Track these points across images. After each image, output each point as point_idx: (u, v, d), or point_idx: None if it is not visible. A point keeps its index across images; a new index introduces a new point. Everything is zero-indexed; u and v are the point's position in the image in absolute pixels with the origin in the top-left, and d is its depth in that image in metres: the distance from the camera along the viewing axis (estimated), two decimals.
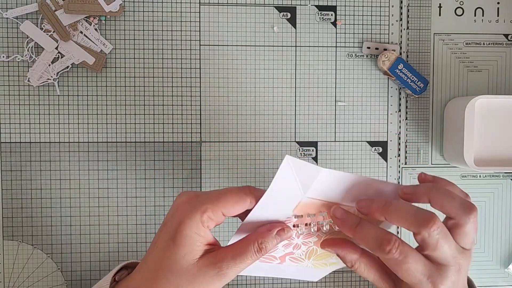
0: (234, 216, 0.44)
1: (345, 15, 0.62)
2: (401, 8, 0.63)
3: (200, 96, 0.62)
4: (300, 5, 0.62)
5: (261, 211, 0.43)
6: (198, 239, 0.41)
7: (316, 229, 0.44)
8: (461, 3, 0.63)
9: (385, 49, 0.62)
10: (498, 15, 0.64)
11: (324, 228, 0.44)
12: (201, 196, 0.42)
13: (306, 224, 0.44)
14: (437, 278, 0.41)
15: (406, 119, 0.64)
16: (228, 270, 0.41)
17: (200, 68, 0.61)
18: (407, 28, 0.63)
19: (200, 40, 0.61)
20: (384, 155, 0.64)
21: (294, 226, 0.45)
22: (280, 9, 0.62)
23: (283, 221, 0.44)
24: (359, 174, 0.42)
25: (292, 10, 0.62)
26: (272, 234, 0.42)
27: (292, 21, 0.62)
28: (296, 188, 0.42)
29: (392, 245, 0.41)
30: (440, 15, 0.63)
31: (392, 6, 0.63)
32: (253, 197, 0.42)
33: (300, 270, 0.51)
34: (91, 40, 0.60)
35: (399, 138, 0.64)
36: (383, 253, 0.41)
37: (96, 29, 0.60)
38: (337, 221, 0.44)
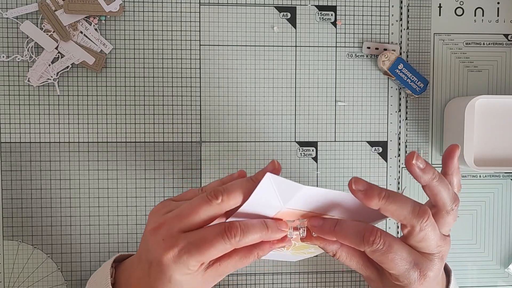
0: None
1: (345, 15, 0.62)
2: (401, 8, 0.63)
3: (200, 96, 0.62)
4: (300, 5, 0.62)
5: (243, 212, 0.43)
6: (191, 276, 0.41)
7: (294, 236, 0.45)
8: (461, 3, 0.63)
9: (385, 49, 0.62)
10: (498, 15, 0.64)
11: (300, 232, 0.44)
12: (183, 238, 0.40)
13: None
14: (424, 266, 0.42)
15: (406, 119, 0.64)
16: (227, 274, 0.43)
17: (200, 68, 0.61)
18: (407, 28, 0.63)
19: (200, 40, 0.61)
20: (384, 155, 0.64)
21: None
22: (280, 9, 0.62)
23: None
24: (342, 191, 0.42)
25: (292, 10, 0.62)
26: (269, 245, 0.43)
27: (292, 21, 0.62)
28: (276, 200, 0.42)
29: (375, 235, 0.41)
30: (440, 15, 0.63)
31: (392, 6, 0.63)
32: (232, 240, 0.40)
33: (279, 256, 0.52)
34: (91, 40, 0.60)
35: (399, 138, 0.64)
36: (367, 245, 0.41)
37: (96, 29, 0.60)
38: (315, 230, 0.44)
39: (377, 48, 0.62)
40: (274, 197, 0.41)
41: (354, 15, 0.62)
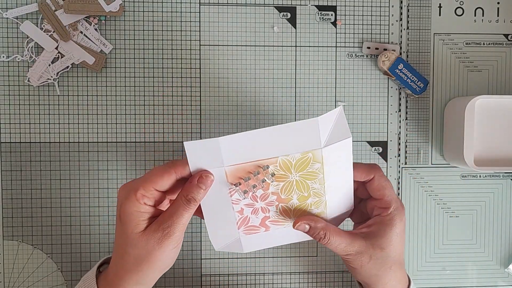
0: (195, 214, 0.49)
1: (345, 15, 0.62)
2: (401, 8, 0.63)
3: (200, 96, 0.62)
4: (300, 5, 0.62)
5: (206, 201, 0.48)
6: (140, 215, 0.47)
7: (261, 183, 0.49)
8: (461, 3, 0.63)
9: (385, 49, 0.62)
10: (498, 15, 0.64)
11: (268, 179, 0.49)
12: (134, 180, 0.48)
13: (252, 188, 0.49)
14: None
15: (406, 119, 0.64)
16: (170, 229, 0.47)
17: (200, 68, 0.61)
18: (407, 28, 0.63)
19: (200, 40, 0.61)
20: (384, 155, 0.64)
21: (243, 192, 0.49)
22: (280, 9, 0.62)
23: (228, 193, 0.49)
24: (257, 129, 0.47)
25: (292, 10, 0.62)
26: (193, 184, 0.47)
27: (292, 21, 0.62)
28: (212, 164, 0.47)
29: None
30: (440, 15, 0.63)
31: (392, 6, 0.63)
32: (176, 169, 0.47)
33: (293, 232, 0.53)
34: (91, 40, 0.60)
35: (399, 138, 0.64)
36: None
37: (96, 29, 0.60)
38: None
39: (377, 48, 0.62)
40: (209, 161, 0.47)
41: (354, 15, 0.62)
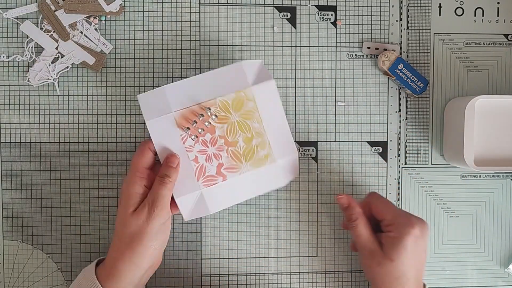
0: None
1: (345, 15, 0.62)
2: (401, 8, 0.63)
3: None
4: (300, 5, 0.62)
5: (161, 145, 0.54)
6: (136, 195, 0.53)
7: (207, 124, 0.55)
8: (461, 3, 0.63)
9: (385, 49, 0.62)
10: (498, 15, 0.64)
11: (212, 120, 0.55)
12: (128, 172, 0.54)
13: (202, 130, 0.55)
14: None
15: (406, 119, 0.64)
16: (154, 203, 0.52)
17: (200, 68, 0.61)
18: (407, 28, 0.63)
19: (200, 40, 0.61)
20: (384, 155, 0.64)
21: (193, 139, 0.55)
22: (280, 9, 0.62)
23: (181, 140, 0.55)
24: (194, 76, 0.54)
25: (292, 10, 0.62)
26: (164, 164, 0.54)
27: (292, 21, 0.62)
28: (162, 111, 0.54)
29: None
30: (440, 15, 0.63)
31: (392, 6, 0.63)
32: (149, 145, 0.54)
33: (253, 179, 0.56)
34: (91, 40, 0.60)
35: (399, 138, 0.64)
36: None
37: (96, 29, 0.60)
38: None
39: (377, 48, 0.62)
40: (160, 108, 0.54)
41: (354, 15, 0.62)
